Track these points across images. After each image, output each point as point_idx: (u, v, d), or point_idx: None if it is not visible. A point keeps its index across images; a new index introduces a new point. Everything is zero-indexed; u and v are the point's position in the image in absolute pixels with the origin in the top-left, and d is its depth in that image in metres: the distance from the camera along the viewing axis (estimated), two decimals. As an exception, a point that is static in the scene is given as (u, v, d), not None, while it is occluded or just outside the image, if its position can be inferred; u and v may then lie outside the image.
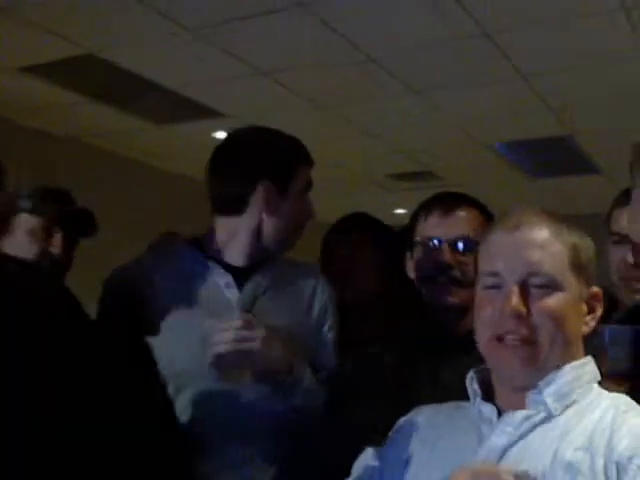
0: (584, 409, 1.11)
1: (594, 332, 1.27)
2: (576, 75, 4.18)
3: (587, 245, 1.18)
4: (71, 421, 1.20)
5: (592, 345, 1.31)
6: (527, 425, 1.11)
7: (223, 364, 1.52)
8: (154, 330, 1.61)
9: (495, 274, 1.15)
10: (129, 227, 5.12)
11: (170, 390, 1.60)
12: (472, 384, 1.18)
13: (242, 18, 3.47)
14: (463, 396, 1.21)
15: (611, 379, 1.29)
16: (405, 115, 4.89)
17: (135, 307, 1.63)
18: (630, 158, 1.38)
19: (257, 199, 1.69)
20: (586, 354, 1.18)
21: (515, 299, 1.10)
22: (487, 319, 1.14)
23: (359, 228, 2.31)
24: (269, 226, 1.71)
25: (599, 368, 1.30)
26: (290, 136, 1.76)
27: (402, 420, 1.29)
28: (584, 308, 1.15)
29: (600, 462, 1.02)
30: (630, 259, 1.79)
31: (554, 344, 1.11)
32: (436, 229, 1.71)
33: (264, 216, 1.70)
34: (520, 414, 1.11)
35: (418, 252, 1.72)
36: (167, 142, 5.57)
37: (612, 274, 1.79)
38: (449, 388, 1.27)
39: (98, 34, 3.71)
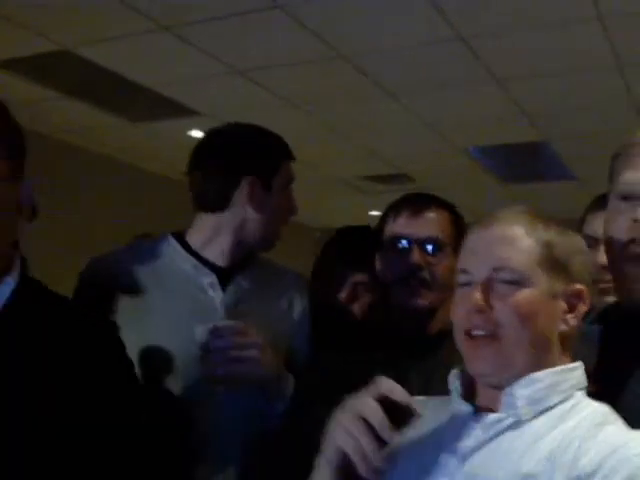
0: (558, 417, 1.07)
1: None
2: (551, 81, 4.22)
3: (568, 242, 1.14)
4: (70, 422, 1.19)
5: None
6: (496, 429, 1.07)
7: (218, 370, 1.51)
8: (131, 325, 1.55)
9: (465, 271, 1.14)
10: (102, 225, 5.08)
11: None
12: (454, 381, 1.15)
13: (218, 17, 3.47)
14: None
15: None
16: (380, 117, 4.91)
17: (111, 299, 1.61)
18: (609, 166, 1.40)
19: (241, 194, 1.67)
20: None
21: (477, 295, 1.09)
22: (458, 316, 1.13)
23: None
24: (253, 222, 1.69)
25: None
26: (272, 132, 1.75)
27: None
28: (561, 306, 1.11)
29: (560, 476, 0.99)
30: (601, 261, 1.82)
31: (520, 341, 1.08)
32: (405, 230, 1.70)
33: (249, 211, 1.68)
34: (490, 417, 1.09)
35: (387, 253, 1.72)
36: (142, 140, 5.54)
37: None
38: (414, 390, 1.26)
39: (74, 30, 3.68)
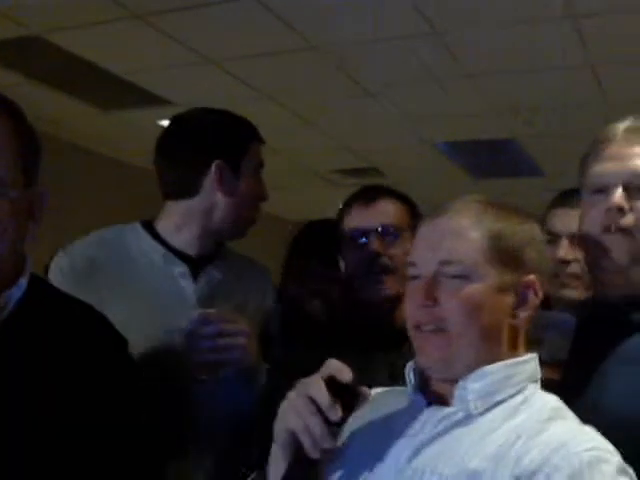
0: (509, 412, 1.05)
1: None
2: (521, 78, 4.25)
3: (521, 231, 1.11)
4: (78, 420, 1.20)
5: (531, 329, 1.34)
6: (446, 423, 1.06)
7: (206, 357, 1.51)
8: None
9: (413, 264, 1.13)
10: (72, 215, 5.03)
11: None
12: (409, 374, 1.14)
13: (192, 7, 3.45)
14: None
15: (547, 366, 1.32)
16: (352, 111, 4.91)
17: (79, 290, 1.55)
18: (579, 165, 1.41)
19: (210, 179, 1.64)
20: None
21: (423, 290, 1.09)
22: (408, 310, 1.13)
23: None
24: (223, 207, 1.66)
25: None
26: (237, 114, 1.72)
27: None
28: (511, 298, 1.08)
29: (504, 475, 0.97)
30: (561, 254, 1.85)
31: (466, 336, 1.06)
32: (360, 220, 1.72)
33: (218, 196, 1.65)
34: (440, 412, 1.08)
35: (346, 246, 1.73)
36: (113, 129, 5.49)
37: None
38: (378, 383, 1.27)
39: (45, 16, 3.63)
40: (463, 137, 5.49)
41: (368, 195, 1.77)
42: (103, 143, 5.82)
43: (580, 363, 1.32)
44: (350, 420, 1.12)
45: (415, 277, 1.12)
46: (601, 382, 1.28)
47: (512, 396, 1.07)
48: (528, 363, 1.11)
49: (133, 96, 4.73)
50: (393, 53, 3.94)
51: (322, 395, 1.03)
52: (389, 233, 1.66)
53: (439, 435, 1.06)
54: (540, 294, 1.10)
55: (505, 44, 3.78)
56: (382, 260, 1.63)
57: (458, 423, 1.06)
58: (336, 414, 1.01)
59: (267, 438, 1.11)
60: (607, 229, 1.31)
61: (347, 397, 1.03)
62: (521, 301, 1.09)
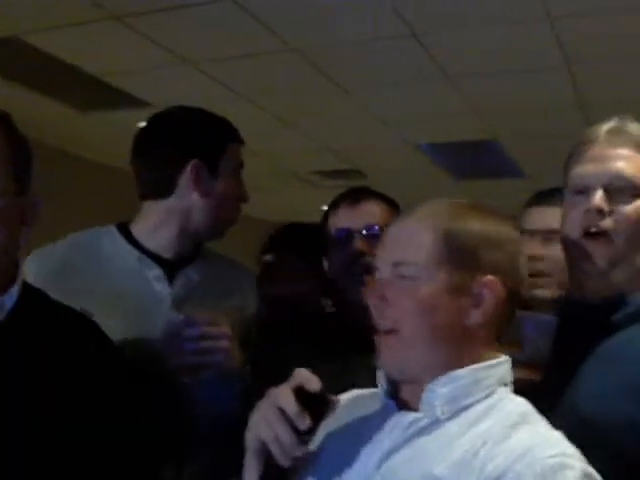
0: (476, 417, 1.04)
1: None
2: (501, 79, 4.27)
3: (480, 232, 1.08)
4: (71, 426, 1.20)
5: (510, 330, 1.34)
6: (413, 429, 1.05)
7: (189, 359, 1.49)
8: None
9: (376, 267, 1.13)
10: (49, 217, 4.98)
11: None
12: (381, 378, 1.13)
13: (170, 8, 3.43)
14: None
15: (527, 367, 1.32)
16: (333, 112, 4.91)
17: (53, 293, 1.53)
18: (563, 167, 1.41)
19: (186, 179, 1.61)
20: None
21: (374, 291, 1.09)
22: (371, 312, 1.13)
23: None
24: (200, 208, 1.63)
25: (513, 357, 1.33)
26: (216, 114, 1.70)
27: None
28: (466, 299, 1.06)
29: None
30: (527, 251, 1.87)
31: (417, 337, 1.05)
32: (345, 220, 1.74)
33: (195, 197, 1.62)
34: (407, 417, 1.07)
35: (331, 247, 1.74)
36: (91, 130, 5.45)
37: None
38: (358, 386, 1.27)
39: (23, 17, 3.60)
40: (444, 138, 5.50)
41: (354, 196, 1.79)
42: (81, 145, 5.78)
43: (559, 364, 1.32)
44: (326, 421, 1.12)
45: (378, 280, 1.13)
46: (578, 383, 1.29)
47: (480, 400, 1.06)
48: (499, 366, 1.10)
49: (111, 98, 4.70)
50: (372, 55, 3.94)
51: (290, 405, 1.03)
52: (374, 234, 1.66)
53: (406, 441, 1.05)
54: (499, 295, 1.06)
55: (484, 46, 3.79)
56: (366, 260, 1.63)
57: (425, 429, 1.05)
58: (304, 423, 1.02)
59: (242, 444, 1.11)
60: (586, 231, 1.32)
61: (316, 406, 1.04)
62: (476, 302, 1.07)
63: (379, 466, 1.04)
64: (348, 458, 1.09)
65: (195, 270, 1.66)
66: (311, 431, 1.03)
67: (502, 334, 1.12)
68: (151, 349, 1.54)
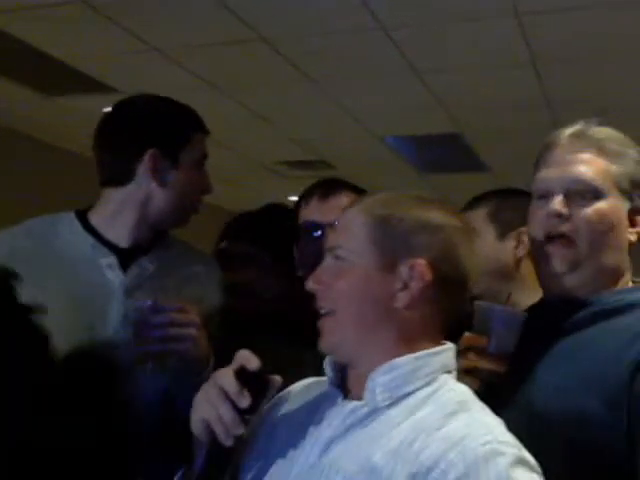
0: (415, 405, 1.05)
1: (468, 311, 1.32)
2: (468, 75, 4.30)
3: (413, 217, 1.10)
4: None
5: (478, 322, 1.37)
6: (353, 417, 1.07)
7: (153, 347, 1.48)
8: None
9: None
10: (11, 203, 4.91)
11: None
12: (327, 366, 1.15)
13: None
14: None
15: (495, 358, 1.35)
16: (301, 103, 4.91)
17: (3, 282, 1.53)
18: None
19: (144, 168, 1.60)
20: (459, 331, 1.17)
21: (314, 276, 1.13)
22: None
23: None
24: (158, 197, 1.62)
25: (481, 347, 1.35)
26: (182, 103, 1.68)
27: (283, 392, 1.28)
28: (395, 281, 1.08)
29: (402, 470, 0.97)
30: None
31: (348, 319, 1.09)
32: (315, 214, 1.75)
33: (153, 186, 1.61)
34: (348, 406, 1.08)
35: (301, 240, 1.74)
36: (57, 115, 5.38)
37: None
38: (311, 373, 1.28)
39: (-13, 0, 3.54)
40: (411, 132, 5.53)
41: (325, 189, 1.79)
42: (46, 130, 5.70)
43: (521, 359, 1.35)
44: (274, 412, 1.18)
45: None
46: (536, 379, 1.32)
47: (421, 388, 1.07)
48: (441, 354, 1.11)
49: (77, 82, 4.64)
50: (341, 48, 3.94)
51: (230, 383, 1.05)
52: None
53: (348, 430, 1.06)
54: (426, 279, 1.07)
55: (452, 41, 3.81)
56: None
57: (366, 417, 1.06)
58: (245, 401, 1.04)
59: None
60: (548, 235, 1.35)
61: (257, 385, 1.07)
62: (404, 284, 1.08)
63: (322, 455, 1.05)
64: (294, 446, 1.11)
65: (152, 259, 1.64)
66: (253, 410, 1.06)
67: (446, 322, 1.12)
68: (100, 337, 1.53)
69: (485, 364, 1.33)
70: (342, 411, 1.08)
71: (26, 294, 1.47)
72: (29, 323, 1.29)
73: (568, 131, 1.40)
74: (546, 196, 1.37)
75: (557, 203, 1.33)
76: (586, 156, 1.35)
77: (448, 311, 1.12)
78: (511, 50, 3.89)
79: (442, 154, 6.11)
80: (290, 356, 1.54)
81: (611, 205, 1.33)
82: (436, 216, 1.12)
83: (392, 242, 1.09)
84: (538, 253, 1.39)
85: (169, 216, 1.65)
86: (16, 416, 1.23)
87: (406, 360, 1.07)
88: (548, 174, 1.38)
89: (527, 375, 1.33)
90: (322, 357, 1.17)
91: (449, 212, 1.14)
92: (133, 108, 1.68)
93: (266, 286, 2.04)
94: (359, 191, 1.78)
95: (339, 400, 1.12)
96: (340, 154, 6.24)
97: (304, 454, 1.08)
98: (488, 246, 1.82)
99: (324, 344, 1.12)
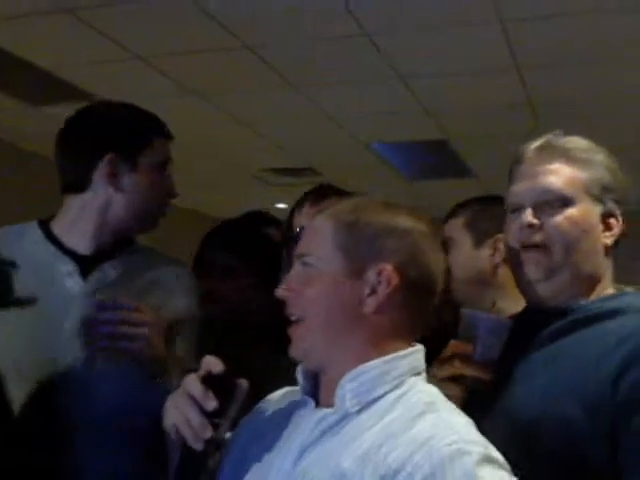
0: (385, 409, 1.05)
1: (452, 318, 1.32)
2: (452, 81, 4.32)
3: (380, 222, 1.11)
4: None
5: (464, 330, 1.38)
6: (324, 425, 1.07)
7: (101, 343, 1.47)
8: None
9: None
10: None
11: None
12: (299, 375, 1.16)
13: (121, 2, 3.38)
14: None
15: (480, 366, 1.35)
16: (285, 110, 4.91)
17: None
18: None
19: (101, 173, 1.59)
20: (444, 337, 1.17)
21: (283, 284, 1.14)
22: None
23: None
24: (117, 203, 1.60)
25: (467, 354, 1.35)
26: (142, 109, 1.68)
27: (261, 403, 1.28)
28: (362, 286, 1.09)
29: (371, 476, 0.97)
30: None
31: (317, 324, 1.09)
32: (306, 220, 1.76)
33: (110, 192, 1.60)
34: (318, 414, 1.09)
35: (293, 245, 1.75)
36: (40, 124, 5.35)
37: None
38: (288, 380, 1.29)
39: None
40: (396, 138, 5.54)
41: (317, 194, 1.82)
42: (31, 138, 5.68)
43: (505, 367, 1.36)
44: (251, 422, 1.19)
45: None
46: (518, 387, 1.33)
47: (390, 391, 1.07)
48: (409, 357, 1.11)
49: (59, 91, 4.62)
50: (326, 54, 3.95)
51: (195, 387, 1.07)
52: None
53: (320, 437, 1.07)
54: (393, 284, 1.08)
55: (436, 47, 3.83)
56: None
57: (336, 423, 1.07)
58: (210, 403, 1.06)
59: None
60: (523, 245, 1.38)
61: (224, 389, 1.09)
62: (371, 289, 1.09)
63: (296, 463, 1.06)
64: (269, 456, 1.11)
65: (115, 265, 1.63)
66: (222, 414, 1.08)
67: (416, 325, 1.13)
68: (56, 344, 1.52)
69: (470, 371, 1.34)
70: (313, 419, 1.09)
71: None
72: None
73: (535, 144, 1.43)
74: (518, 209, 1.40)
75: (527, 215, 1.36)
76: (554, 166, 1.38)
77: (417, 314, 1.13)
78: (495, 56, 3.91)
79: (428, 160, 6.13)
80: (271, 365, 1.55)
81: (582, 211, 1.35)
82: (403, 221, 1.12)
83: (359, 248, 1.10)
84: (514, 262, 1.41)
85: (131, 221, 1.64)
86: None
87: (374, 364, 1.07)
88: (518, 188, 1.41)
89: (511, 383, 1.34)
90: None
91: (416, 217, 1.14)
92: (91, 114, 1.67)
93: (247, 297, 2.04)
94: (348, 195, 1.79)
95: (311, 408, 1.12)
96: (326, 161, 6.25)
97: (278, 463, 1.08)
98: (465, 254, 1.87)
99: (294, 351, 1.13)
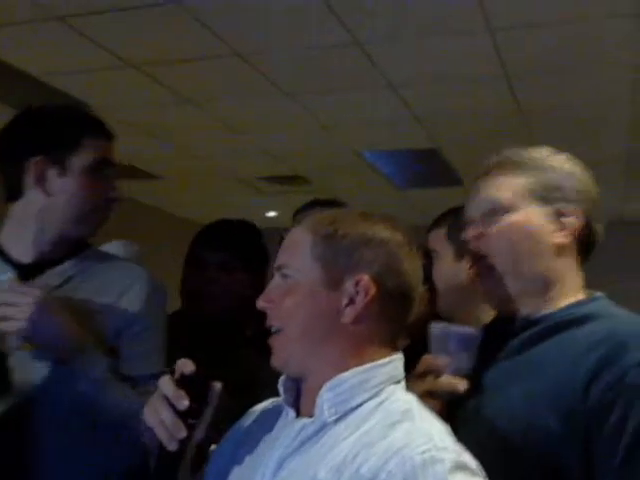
0: (362, 418, 1.05)
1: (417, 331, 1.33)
2: (443, 90, 4.34)
3: (358, 233, 1.12)
4: None
5: (435, 344, 1.38)
6: (302, 435, 1.08)
7: None
8: None
9: None
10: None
11: None
12: (280, 385, 1.16)
13: (112, 9, 3.39)
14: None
15: (455, 379, 1.36)
16: (276, 118, 4.92)
17: None
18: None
19: (30, 178, 1.56)
20: (418, 354, 1.18)
21: (263, 296, 1.15)
22: None
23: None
24: (51, 209, 1.57)
25: (440, 368, 1.36)
26: (76, 109, 1.65)
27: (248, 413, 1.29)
28: (340, 297, 1.09)
29: None
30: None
31: (297, 333, 1.10)
32: None
33: (41, 197, 1.56)
34: (298, 423, 1.10)
35: None
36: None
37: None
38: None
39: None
40: (387, 146, 5.56)
41: (307, 210, 1.87)
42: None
43: (479, 379, 1.37)
44: (235, 433, 1.21)
45: None
46: (492, 398, 1.34)
47: (368, 400, 1.08)
48: (387, 365, 1.11)
49: (53, 99, 4.62)
50: (316, 62, 3.96)
51: (168, 388, 1.09)
52: None
53: (298, 447, 1.07)
54: (371, 293, 1.09)
55: (426, 55, 3.85)
56: None
57: (315, 433, 1.07)
58: (183, 402, 1.08)
59: None
60: (472, 257, 1.42)
61: (198, 390, 1.11)
62: (349, 299, 1.10)
63: (274, 474, 1.06)
64: (251, 467, 1.12)
65: (58, 272, 1.60)
66: (196, 414, 1.10)
67: (394, 334, 1.14)
68: None
69: (445, 386, 1.34)
70: (294, 429, 1.09)
71: None
72: None
73: (486, 162, 1.47)
74: (469, 224, 1.44)
75: (467, 230, 1.41)
76: (496, 179, 1.41)
77: (395, 323, 1.14)
78: (485, 65, 3.93)
79: (419, 169, 6.15)
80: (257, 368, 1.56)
81: (524, 215, 1.37)
82: (379, 231, 1.13)
83: (336, 258, 1.11)
84: (473, 274, 1.44)
85: (68, 226, 1.60)
86: None
87: (352, 373, 1.08)
88: (468, 205, 1.45)
89: (485, 394, 1.35)
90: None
91: (392, 227, 1.15)
92: (21, 119, 1.65)
93: (242, 294, 2.04)
94: (339, 206, 1.82)
95: (292, 418, 1.13)
96: (318, 169, 6.26)
97: (259, 474, 1.09)
98: (447, 266, 1.90)
99: (275, 361, 1.14)
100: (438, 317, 1.90)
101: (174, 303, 2.02)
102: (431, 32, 3.57)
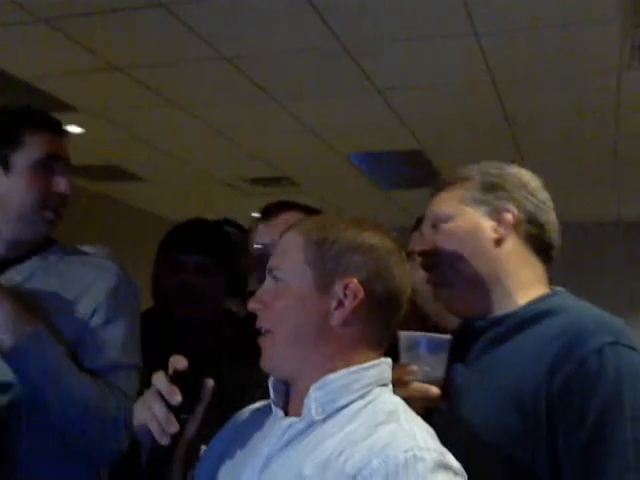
0: (348, 418, 1.07)
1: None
2: (428, 93, 4.36)
3: (347, 238, 1.14)
4: None
5: (405, 352, 1.40)
6: (290, 434, 1.09)
7: None
8: None
9: None
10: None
11: None
12: (270, 386, 1.18)
13: (98, 12, 3.39)
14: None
15: (427, 386, 1.37)
16: (263, 120, 4.93)
17: None
18: None
19: None
20: (392, 357, 1.20)
21: (254, 298, 1.17)
22: None
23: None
24: (2, 208, 1.55)
25: (412, 376, 1.37)
26: (21, 106, 1.64)
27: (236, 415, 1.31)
28: (329, 300, 1.11)
29: None
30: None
31: (286, 335, 1.12)
32: (261, 237, 1.83)
33: None
34: (285, 422, 1.12)
35: (254, 263, 1.82)
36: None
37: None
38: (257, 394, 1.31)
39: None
40: (374, 149, 5.58)
41: (270, 211, 1.86)
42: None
43: (450, 383, 1.39)
44: (226, 434, 1.23)
45: None
46: (464, 401, 1.35)
47: (354, 401, 1.09)
48: (374, 368, 1.13)
49: (37, 102, 4.61)
50: (304, 66, 3.98)
51: (161, 383, 1.11)
52: None
53: (286, 445, 1.09)
54: (359, 297, 1.11)
55: (413, 60, 3.87)
56: None
57: (301, 432, 1.09)
58: (175, 397, 1.10)
59: None
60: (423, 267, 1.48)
61: (191, 386, 1.13)
62: (338, 303, 1.12)
63: (261, 472, 1.08)
64: (239, 465, 1.14)
65: (20, 270, 1.58)
66: (188, 410, 1.12)
67: (382, 337, 1.16)
68: None
69: (418, 393, 1.36)
70: (281, 427, 1.11)
71: None
72: None
73: (434, 184, 1.54)
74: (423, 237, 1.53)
75: (414, 241, 1.55)
76: (440, 196, 1.49)
77: (383, 327, 1.15)
78: (470, 68, 3.96)
79: (405, 171, 6.17)
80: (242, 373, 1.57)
81: (461, 219, 1.42)
82: (368, 237, 1.15)
83: (327, 263, 1.13)
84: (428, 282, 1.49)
85: (18, 226, 1.59)
86: None
87: (340, 375, 1.10)
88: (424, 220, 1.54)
89: (455, 397, 1.37)
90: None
91: (382, 233, 1.17)
92: None
93: (220, 293, 2.05)
94: (308, 209, 1.84)
95: (280, 417, 1.15)
96: (304, 171, 6.27)
97: (247, 472, 1.11)
98: None
99: (264, 363, 1.16)
100: (424, 318, 1.91)
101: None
102: (417, 36, 3.59)
